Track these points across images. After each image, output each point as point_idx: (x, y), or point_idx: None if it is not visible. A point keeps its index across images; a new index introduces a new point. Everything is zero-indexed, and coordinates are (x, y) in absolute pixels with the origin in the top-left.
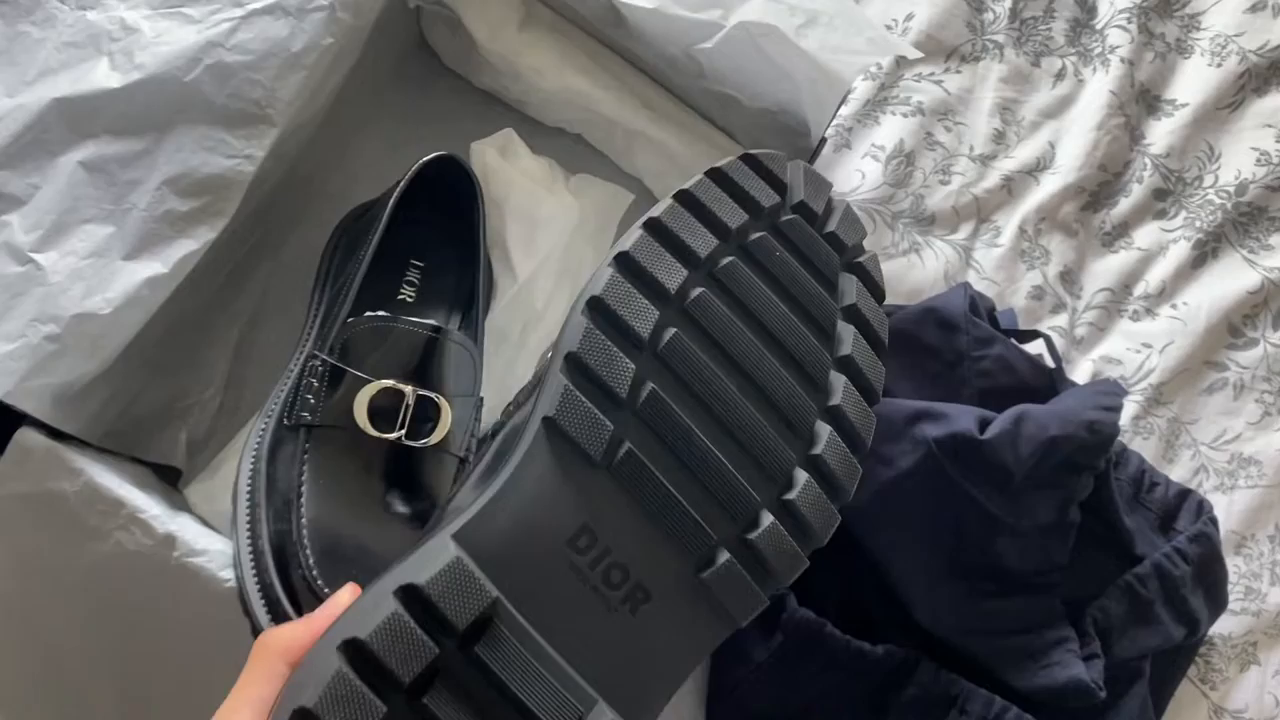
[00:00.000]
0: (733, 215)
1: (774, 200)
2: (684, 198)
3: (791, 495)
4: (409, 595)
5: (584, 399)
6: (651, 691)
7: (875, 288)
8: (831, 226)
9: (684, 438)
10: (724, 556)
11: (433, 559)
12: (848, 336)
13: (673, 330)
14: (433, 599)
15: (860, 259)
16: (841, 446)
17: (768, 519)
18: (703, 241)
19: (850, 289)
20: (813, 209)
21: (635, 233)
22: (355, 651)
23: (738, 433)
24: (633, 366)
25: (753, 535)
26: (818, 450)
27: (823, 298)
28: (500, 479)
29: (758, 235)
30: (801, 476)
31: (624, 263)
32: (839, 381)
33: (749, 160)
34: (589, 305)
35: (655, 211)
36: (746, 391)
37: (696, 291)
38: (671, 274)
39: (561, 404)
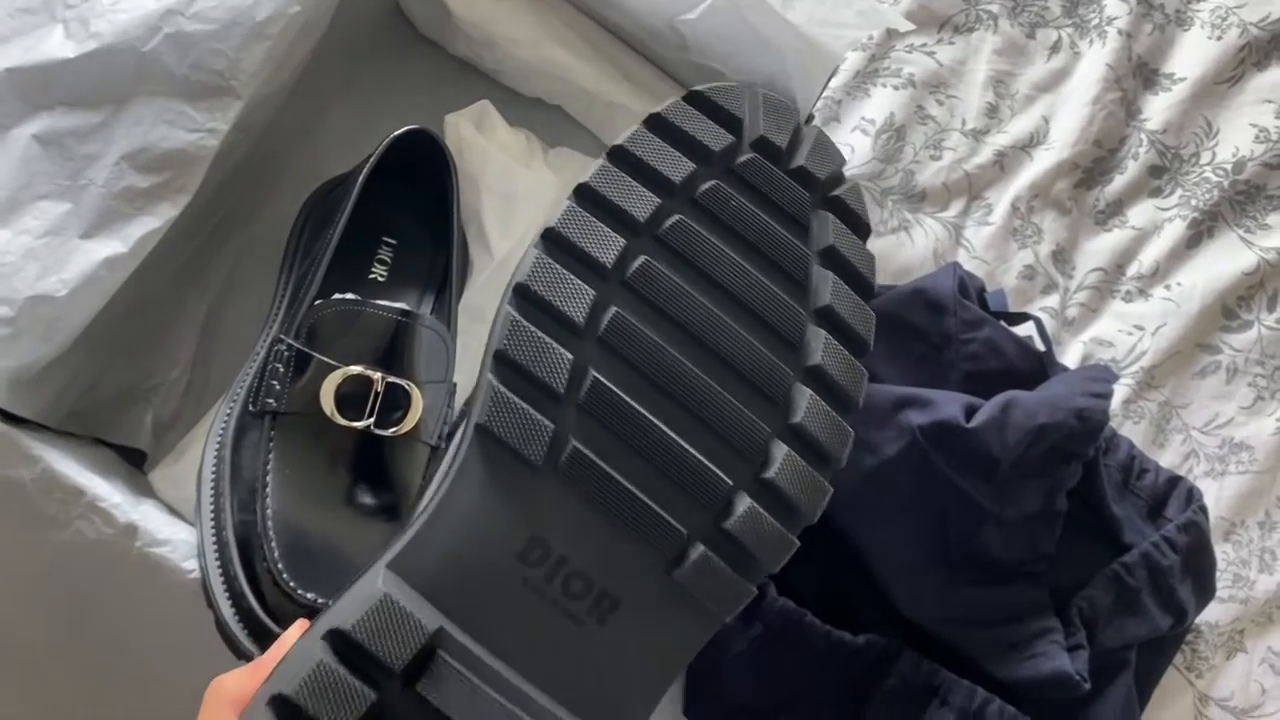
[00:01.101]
0: (676, 166)
1: (726, 141)
2: (618, 155)
3: (770, 472)
4: (337, 640)
5: (516, 399)
6: (633, 702)
7: (856, 222)
8: (800, 160)
9: (637, 426)
10: (697, 550)
11: (362, 596)
12: (825, 284)
13: (613, 310)
14: (362, 643)
15: (837, 191)
16: (825, 409)
17: (744, 502)
18: (642, 203)
19: (826, 229)
20: (774, 144)
21: (564, 204)
22: (284, 708)
23: (702, 412)
24: (569, 357)
25: (728, 523)
26: (797, 418)
27: (791, 244)
28: (437, 497)
29: (708, 185)
30: (780, 450)
31: (552, 240)
32: (818, 336)
33: (695, 99)
34: (515, 293)
35: (585, 176)
36: (708, 365)
37: (638, 261)
38: (607, 245)
39: (493, 408)
